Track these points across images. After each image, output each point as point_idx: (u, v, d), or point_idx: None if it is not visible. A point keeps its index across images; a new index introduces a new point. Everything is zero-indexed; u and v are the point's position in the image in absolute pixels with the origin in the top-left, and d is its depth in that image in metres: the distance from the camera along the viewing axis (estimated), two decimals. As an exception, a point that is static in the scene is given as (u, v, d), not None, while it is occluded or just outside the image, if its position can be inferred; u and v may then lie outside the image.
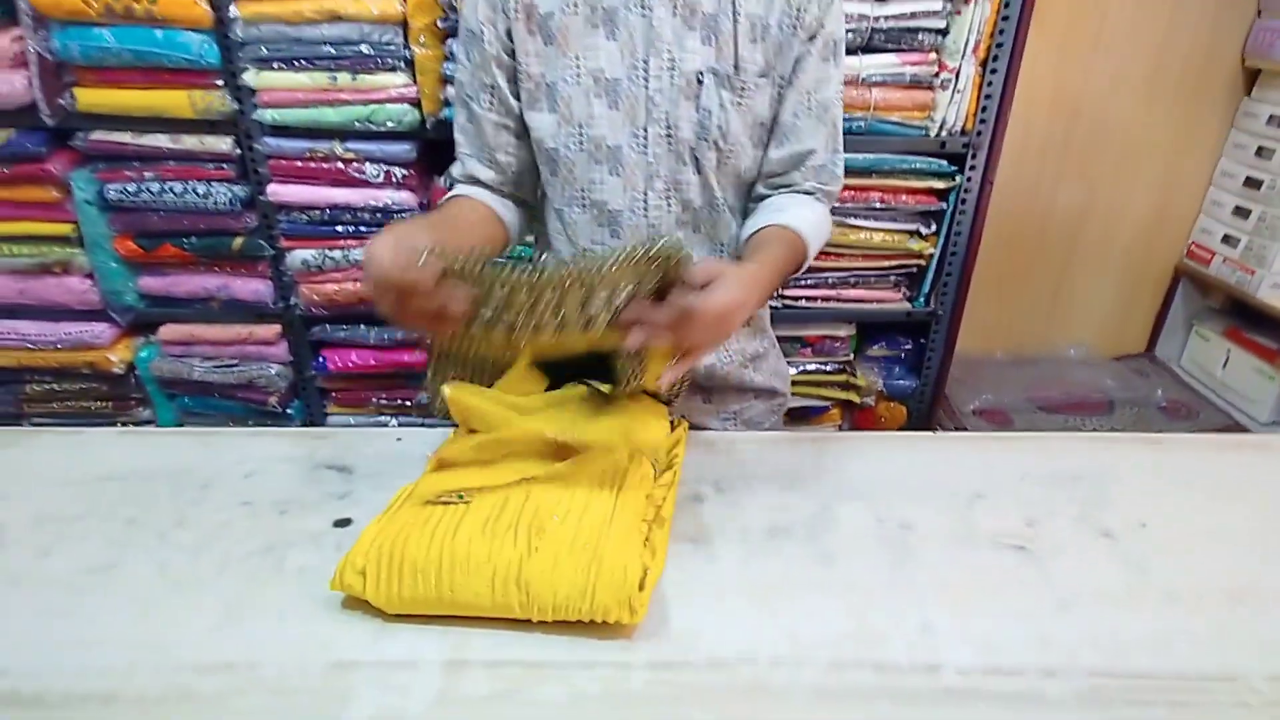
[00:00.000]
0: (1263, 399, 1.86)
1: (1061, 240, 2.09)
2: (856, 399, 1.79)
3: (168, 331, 1.69)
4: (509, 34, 0.86)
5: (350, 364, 1.71)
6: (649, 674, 0.64)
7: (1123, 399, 1.96)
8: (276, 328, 1.70)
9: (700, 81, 0.86)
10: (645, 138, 0.88)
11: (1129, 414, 1.90)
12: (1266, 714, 0.62)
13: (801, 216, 0.90)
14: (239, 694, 0.62)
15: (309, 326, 1.71)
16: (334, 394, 1.79)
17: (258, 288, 1.65)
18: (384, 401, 1.77)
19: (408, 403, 1.77)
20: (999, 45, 1.45)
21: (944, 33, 1.46)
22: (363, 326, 1.70)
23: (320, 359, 1.72)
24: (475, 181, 0.96)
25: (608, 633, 0.67)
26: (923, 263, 1.67)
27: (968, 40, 1.43)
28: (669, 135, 0.88)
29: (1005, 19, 1.43)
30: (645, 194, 0.90)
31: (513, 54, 0.88)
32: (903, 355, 1.81)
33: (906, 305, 1.71)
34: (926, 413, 1.82)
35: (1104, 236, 2.09)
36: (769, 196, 0.94)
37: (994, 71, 1.47)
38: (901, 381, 1.80)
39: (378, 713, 0.60)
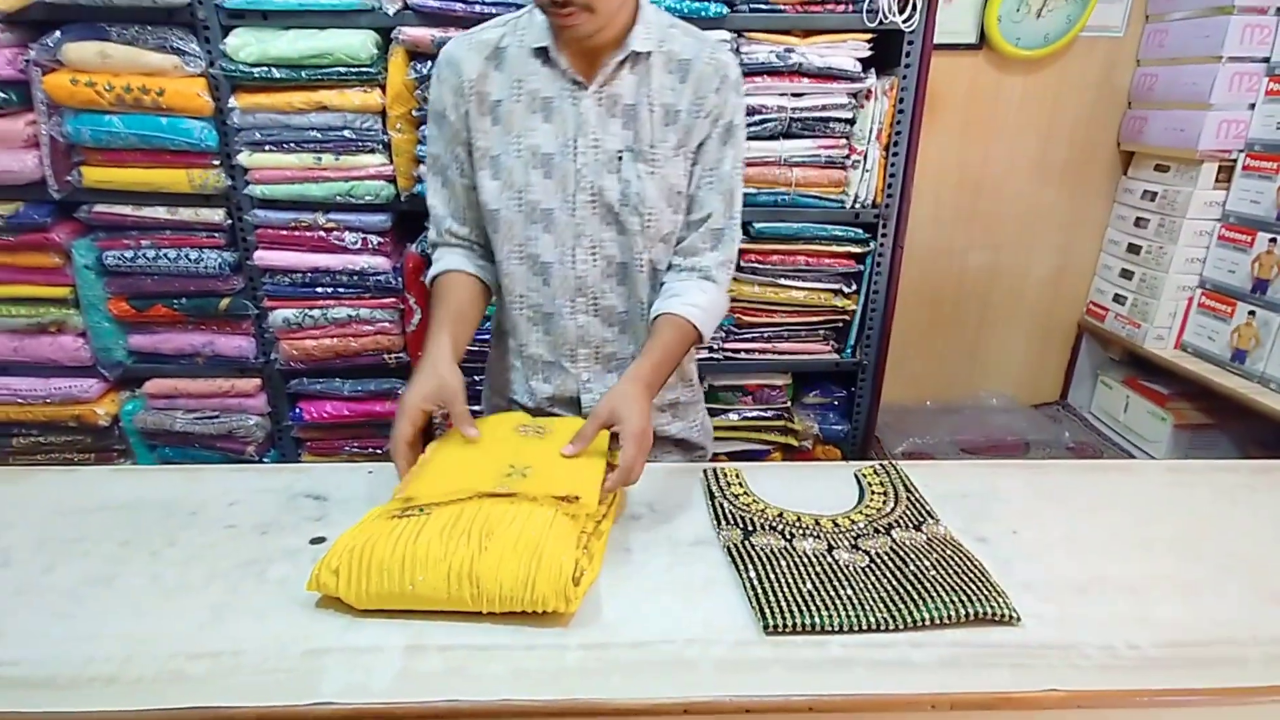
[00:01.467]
0: (1159, 439, 2.02)
1: (975, 299, 2.28)
2: (795, 442, 1.91)
3: (153, 386, 1.77)
4: (466, 114, 1.02)
5: (325, 414, 1.79)
6: (582, 653, 0.73)
7: (1037, 441, 2.11)
8: (257, 381, 1.79)
9: (620, 158, 1.01)
10: (574, 203, 1.03)
11: (1041, 455, 2.05)
12: (1094, 674, 0.73)
13: (693, 303, 1.04)
14: (225, 675, 0.69)
15: (287, 380, 1.80)
16: (308, 443, 1.87)
17: (241, 344, 1.75)
18: (356, 449, 1.85)
19: (379, 451, 1.85)
20: (898, 133, 1.65)
21: (851, 122, 1.66)
22: (337, 380, 1.79)
23: (297, 410, 1.81)
24: (453, 236, 1.10)
25: (547, 621, 0.76)
26: (847, 318, 1.83)
27: (871, 128, 1.63)
28: (593, 201, 1.03)
29: (901, 112, 1.63)
30: (573, 250, 1.05)
31: (469, 131, 1.02)
32: (835, 402, 1.96)
33: (835, 356, 1.86)
34: (859, 455, 1.95)
35: (1012, 296, 2.28)
36: (669, 280, 1.08)
37: (895, 154, 1.67)
38: (835, 426, 1.94)
39: (346, 688, 0.68)
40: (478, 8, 1.49)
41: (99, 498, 1.01)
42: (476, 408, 1.79)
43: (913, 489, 1.02)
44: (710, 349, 1.83)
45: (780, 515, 0.95)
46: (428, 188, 1.10)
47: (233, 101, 1.52)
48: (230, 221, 1.64)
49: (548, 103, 1.00)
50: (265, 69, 1.49)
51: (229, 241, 1.67)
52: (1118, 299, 2.12)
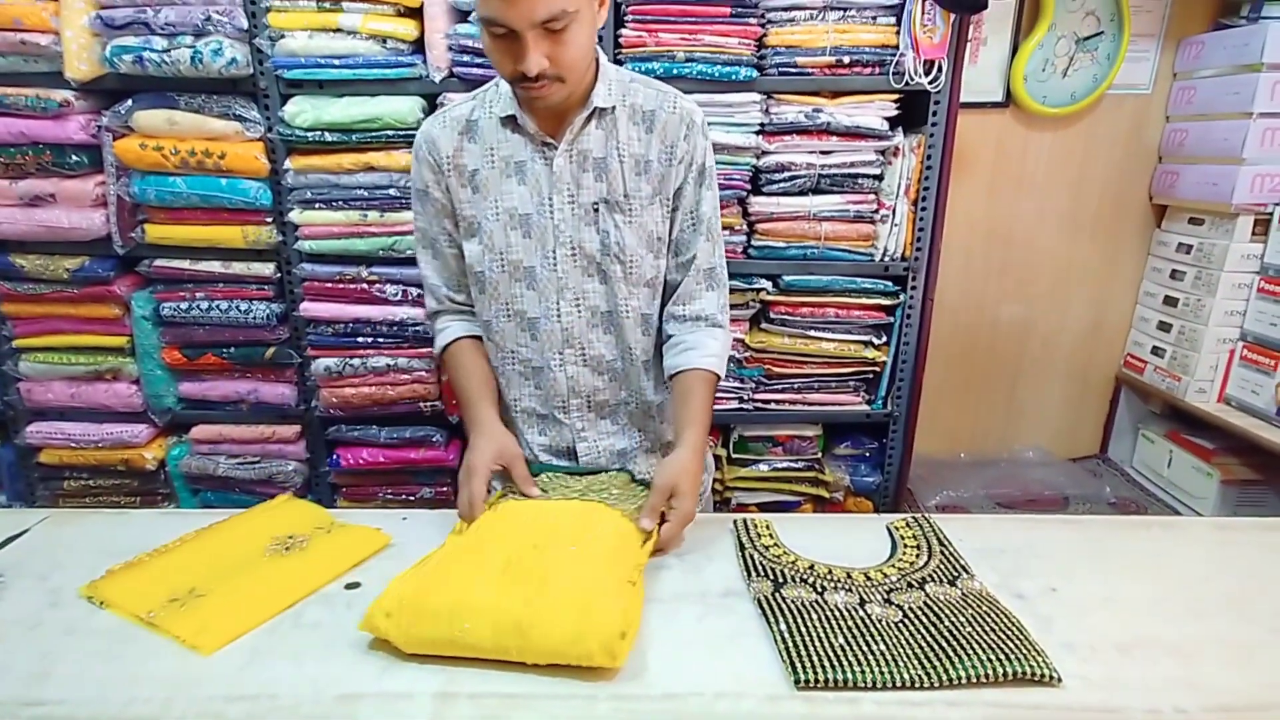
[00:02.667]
0: (1205, 495, 1.96)
1: (1009, 352, 2.25)
2: (826, 494, 1.89)
3: (199, 431, 1.83)
4: (447, 188, 1.07)
5: (361, 461, 1.83)
6: (612, 704, 0.73)
7: (1076, 496, 2.05)
8: (297, 427, 1.84)
9: (597, 210, 1.05)
10: (554, 258, 1.07)
11: (1081, 511, 1.99)
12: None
13: (711, 354, 1.09)
14: (262, 718, 0.71)
15: (326, 427, 1.84)
16: (344, 489, 1.90)
17: (283, 391, 1.80)
18: (390, 496, 1.88)
19: (412, 498, 1.87)
20: (926, 188, 1.67)
21: (879, 178, 1.68)
22: (374, 427, 1.83)
23: (334, 456, 1.84)
24: (452, 304, 1.16)
25: (588, 675, 0.75)
26: (878, 369, 1.82)
27: (900, 184, 1.66)
28: (574, 254, 1.06)
29: (929, 168, 1.65)
30: (557, 303, 1.08)
31: (453, 203, 1.08)
32: (867, 454, 1.93)
33: (866, 407, 1.85)
34: (891, 507, 1.92)
35: (1047, 348, 2.25)
36: (677, 331, 1.12)
37: (924, 209, 1.68)
38: (867, 478, 1.91)
39: (377, 734, 0.69)
40: (518, 74, 1.57)
41: (146, 539, 1.03)
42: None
43: (946, 543, 1.00)
44: (740, 399, 1.83)
45: (811, 567, 0.94)
46: (420, 260, 1.16)
47: (287, 163, 1.61)
48: (279, 275, 1.72)
49: (520, 166, 1.05)
50: (319, 133, 1.58)
51: (277, 293, 1.74)
52: (1156, 351, 2.08)
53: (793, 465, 1.90)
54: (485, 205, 1.06)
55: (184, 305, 1.70)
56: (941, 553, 0.98)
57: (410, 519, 1.11)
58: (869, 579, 0.92)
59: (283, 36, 1.54)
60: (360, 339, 1.74)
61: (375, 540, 1.02)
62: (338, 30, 1.54)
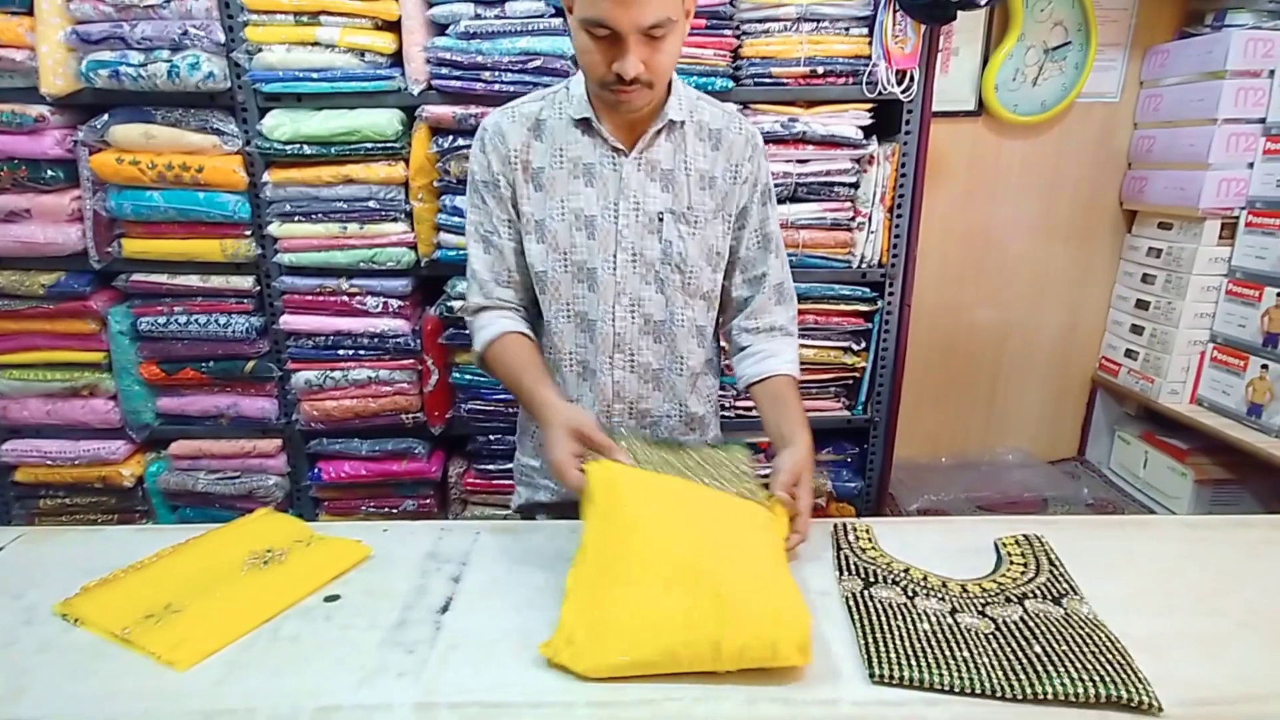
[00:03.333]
0: (1180, 495, 1.99)
1: (987, 356, 2.28)
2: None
3: (178, 447, 1.81)
4: (512, 182, 1.07)
5: (343, 474, 1.81)
6: (589, 710, 0.73)
7: (1055, 498, 2.07)
8: (278, 441, 1.82)
9: (661, 219, 1.07)
10: (615, 262, 1.07)
11: (1060, 512, 2.01)
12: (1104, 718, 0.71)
13: (790, 359, 1.14)
14: (239, 732, 0.70)
15: (307, 440, 1.83)
16: (326, 503, 1.89)
17: (264, 405, 1.79)
18: (372, 509, 1.87)
19: (395, 510, 1.86)
20: (901, 196, 1.70)
21: (855, 186, 1.71)
22: (356, 440, 1.82)
23: (316, 470, 1.83)
24: (498, 302, 1.12)
25: (550, 676, 0.76)
26: (857, 375, 1.84)
27: (875, 192, 1.68)
28: (634, 260, 1.08)
29: (904, 176, 1.68)
30: (614, 307, 1.09)
31: (516, 197, 1.08)
32: (849, 459, 1.95)
33: (846, 413, 1.86)
34: (873, 511, 1.93)
35: (1024, 352, 2.28)
36: (752, 342, 1.15)
37: (899, 216, 1.71)
38: (849, 484, 1.93)
39: (357, 746, 0.69)
40: (496, 86, 1.58)
41: (122, 557, 1.02)
42: (507, 466, 1.79)
43: (1058, 563, 0.98)
44: (723, 406, 1.84)
45: (906, 571, 0.94)
46: (470, 254, 1.12)
47: (266, 176, 1.60)
48: (259, 288, 1.71)
49: (589, 169, 1.06)
50: (297, 146, 1.58)
51: (257, 307, 1.73)
52: (1130, 354, 2.11)
53: (775, 471, 1.90)
54: (551, 204, 1.07)
55: (162, 320, 1.69)
56: (1050, 571, 0.96)
57: (391, 530, 1.10)
58: (965, 590, 0.91)
59: (260, 50, 1.54)
60: (341, 351, 1.74)
61: (355, 552, 1.02)
62: (315, 44, 1.54)
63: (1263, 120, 1.78)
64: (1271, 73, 1.76)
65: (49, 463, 1.78)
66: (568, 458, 0.94)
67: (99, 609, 0.88)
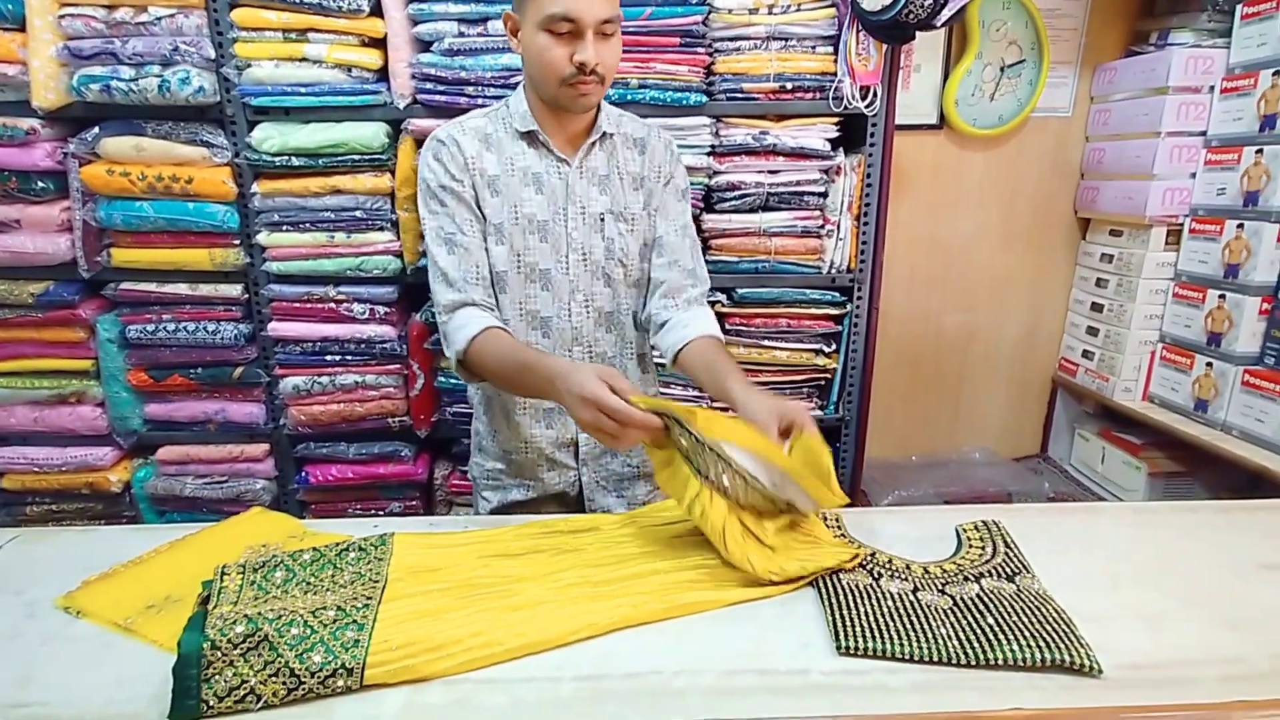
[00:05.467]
0: (1135, 488, 2.07)
1: (953, 358, 2.36)
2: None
3: (166, 453, 1.82)
4: (473, 185, 1.14)
5: (330, 477, 1.83)
6: (576, 684, 0.77)
7: (1019, 493, 2.15)
8: (265, 446, 1.84)
9: (602, 220, 1.17)
10: (567, 262, 1.17)
11: (1029, 504, 2.08)
12: (1058, 694, 0.77)
13: (712, 324, 1.20)
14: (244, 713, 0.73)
15: (294, 444, 1.85)
16: (312, 506, 1.90)
17: (251, 410, 1.81)
18: (358, 511, 1.89)
19: (381, 512, 1.89)
20: (868, 205, 1.76)
21: (824, 195, 1.77)
22: (342, 444, 1.84)
23: (303, 473, 1.85)
24: (473, 300, 1.13)
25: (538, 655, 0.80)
26: (829, 376, 1.90)
27: (843, 201, 1.75)
28: (584, 259, 1.17)
29: (869, 186, 1.75)
30: (569, 304, 1.18)
31: (478, 201, 1.15)
32: (822, 457, 2.00)
33: (819, 412, 1.92)
34: (846, 507, 1.98)
35: (988, 354, 2.37)
36: (672, 315, 1.19)
37: (866, 224, 1.78)
38: (823, 481, 1.98)
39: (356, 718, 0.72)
40: (480, 100, 1.62)
41: (118, 554, 1.04)
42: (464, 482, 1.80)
43: (1013, 545, 1.03)
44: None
45: (872, 555, 0.99)
46: (435, 258, 1.14)
47: (255, 187, 1.63)
48: (247, 296, 1.73)
49: (538, 177, 1.15)
50: (286, 158, 1.60)
51: (245, 314, 1.75)
52: (1086, 354, 2.20)
53: (752, 470, 1.95)
54: (505, 210, 1.15)
55: (150, 327, 1.70)
56: (1006, 553, 1.01)
57: (381, 526, 1.13)
58: (927, 571, 0.96)
59: (249, 65, 1.57)
60: (329, 357, 1.76)
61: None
62: (304, 60, 1.58)
63: (1203, 133, 1.88)
64: (1211, 88, 1.86)
65: (36, 469, 1.78)
66: (599, 377, 0.93)
67: (101, 601, 0.91)
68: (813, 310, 1.83)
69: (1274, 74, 1.68)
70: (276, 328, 1.73)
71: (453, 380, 1.81)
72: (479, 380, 1.15)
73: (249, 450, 1.82)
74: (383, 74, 1.65)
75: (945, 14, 1.53)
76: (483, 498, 1.31)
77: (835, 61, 1.68)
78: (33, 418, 1.76)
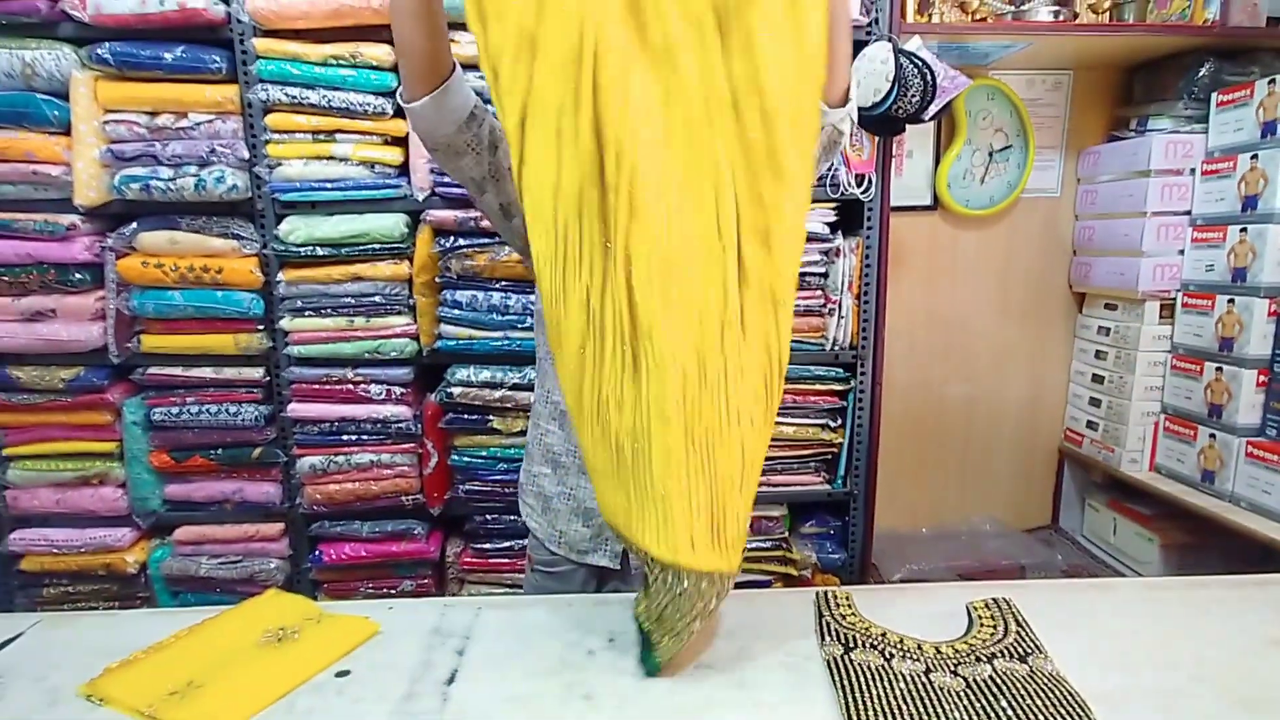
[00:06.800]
0: (1149, 560, 2.05)
1: (958, 429, 2.38)
2: (794, 572, 1.95)
3: (183, 533, 1.84)
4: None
5: (344, 556, 1.85)
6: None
7: (1031, 565, 2.13)
8: (280, 525, 1.86)
9: None
10: None
11: (1036, 578, 2.06)
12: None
13: None
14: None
15: (309, 523, 1.87)
16: (325, 585, 1.91)
17: (268, 490, 1.84)
18: (371, 590, 1.89)
19: (393, 591, 1.89)
20: (867, 283, 1.83)
21: (825, 275, 1.84)
22: (357, 522, 1.86)
23: (317, 552, 1.86)
24: None
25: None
26: (836, 450, 1.92)
27: (843, 281, 1.82)
28: None
29: (868, 265, 1.82)
30: None
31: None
32: (831, 531, 2.01)
33: (827, 487, 1.94)
34: (857, 582, 1.97)
35: (993, 425, 2.38)
36: None
37: (867, 302, 1.84)
38: (833, 555, 1.98)
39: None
40: (495, 192, 1.71)
41: (138, 639, 1.06)
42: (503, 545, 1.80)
43: (1024, 624, 1.04)
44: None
45: (884, 635, 1.00)
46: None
47: (280, 276, 1.71)
48: (268, 378, 1.79)
49: None
50: (311, 248, 1.69)
51: (265, 396, 1.80)
52: (1090, 425, 2.22)
53: (761, 545, 1.96)
54: None
55: (175, 410, 1.76)
56: (1018, 632, 1.02)
57: (396, 608, 1.15)
58: (939, 651, 0.97)
59: (280, 164, 1.68)
60: (345, 436, 1.80)
61: (364, 629, 1.06)
62: (331, 158, 1.68)
63: (1188, 212, 1.95)
64: (1192, 170, 1.94)
65: (55, 551, 1.80)
66: None
67: (123, 688, 0.92)
68: (817, 386, 1.87)
69: (1251, 157, 1.76)
70: (296, 408, 1.78)
71: (466, 458, 1.84)
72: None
73: (264, 530, 1.84)
74: (403, 169, 1.76)
75: (933, 109, 1.63)
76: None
77: (830, 152, 1.77)
78: (55, 499, 1.79)
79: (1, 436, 1.77)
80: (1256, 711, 0.88)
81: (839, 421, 1.91)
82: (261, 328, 1.75)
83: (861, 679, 0.90)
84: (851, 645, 0.98)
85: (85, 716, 0.89)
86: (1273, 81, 1.72)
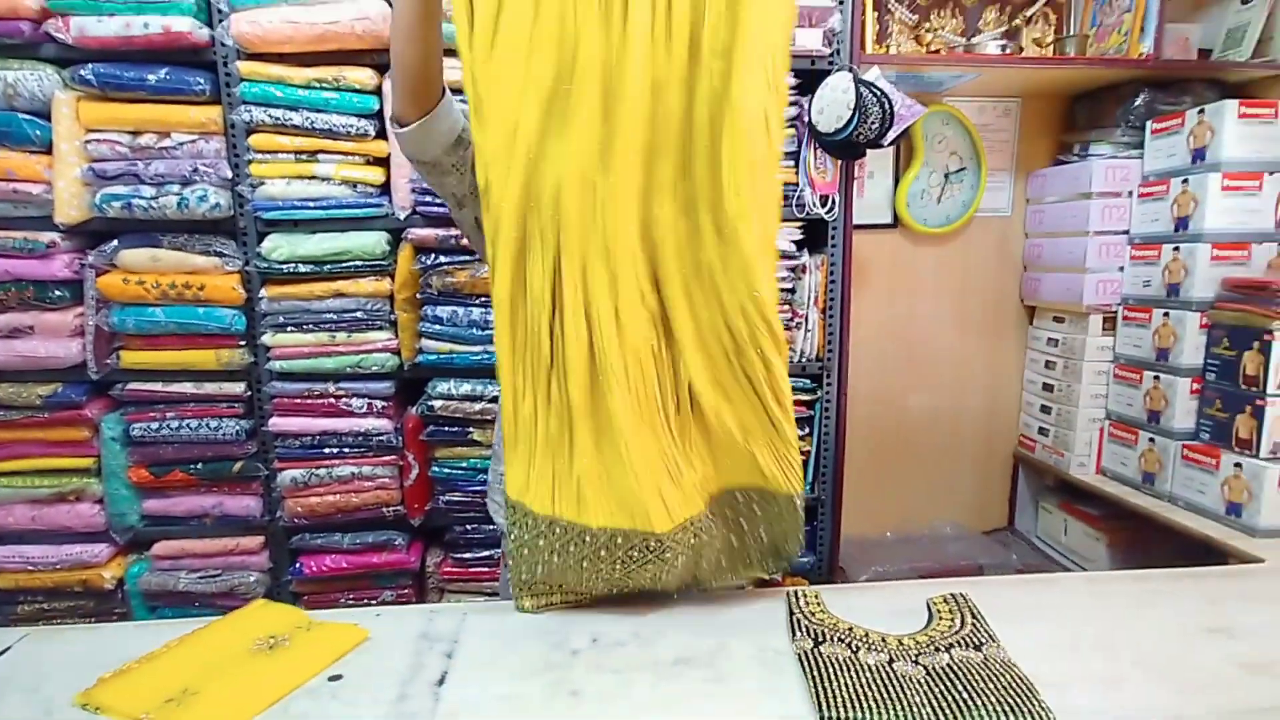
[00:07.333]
0: (1097, 558, 2.15)
1: (920, 437, 2.46)
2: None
3: (161, 548, 1.82)
4: None
5: (325, 568, 1.85)
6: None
7: (989, 565, 2.21)
8: (260, 538, 1.86)
9: None
10: None
11: (993, 577, 2.14)
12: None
13: None
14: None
15: (289, 536, 1.87)
16: (305, 596, 1.91)
17: (248, 503, 1.84)
18: (351, 601, 1.89)
19: (374, 601, 1.89)
20: (832, 298, 1.90)
21: (792, 291, 1.91)
22: (337, 534, 1.87)
23: (298, 565, 1.86)
24: None
25: None
26: (803, 458, 1.99)
27: (809, 296, 1.89)
28: None
29: (833, 281, 1.90)
30: None
31: None
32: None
33: (796, 494, 2.00)
34: (825, 583, 2.02)
35: (953, 432, 2.47)
36: None
37: (832, 316, 1.91)
38: (802, 559, 2.04)
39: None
40: (475, 211, 1.75)
41: (127, 651, 1.06)
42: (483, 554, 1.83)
43: (980, 617, 1.10)
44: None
45: (850, 630, 1.06)
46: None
47: (263, 292, 1.73)
48: (250, 393, 1.79)
49: None
50: (293, 265, 1.71)
51: (246, 410, 1.81)
52: (1042, 431, 2.32)
53: (734, 550, 2.01)
54: None
55: (154, 425, 1.75)
56: (973, 624, 1.08)
57: (384, 615, 1.17)
58: (901, 643, 1.03)
59: (263, 183, 1.70)
60: (327, 450, 1.81)
61: (353, 635, 1.09)
62: (313, 177, 1.70)
63: (1126, 232, 2.07)
64: (1130, 193, 2.06)
65: (30, 568, 1.77)
66: None
67: (119, 697, 0.93)
68: (786, 396, 1.94)
69: (1183, 181, 1.88)
70: (277, 423, 1.79)
71: (447, 470, 1.87)
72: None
73: (244, 543, 1.84)
74: (385, 189, 1.79)
75: (891, 134, 1.72)
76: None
77: (797, 174, 1.85)
78: (31, 516, 1.77)
79: (-24, 454, 1.75)
80: (1191, 693, 0.95)
81: (806, 430, 1.97)
82: (243, 343, 1.76)
83: (831, 670, 0.95)
84: (821, 639, 1.03)
85: (81, 725, 0.90)
86: (1201, 111, 1.85)
